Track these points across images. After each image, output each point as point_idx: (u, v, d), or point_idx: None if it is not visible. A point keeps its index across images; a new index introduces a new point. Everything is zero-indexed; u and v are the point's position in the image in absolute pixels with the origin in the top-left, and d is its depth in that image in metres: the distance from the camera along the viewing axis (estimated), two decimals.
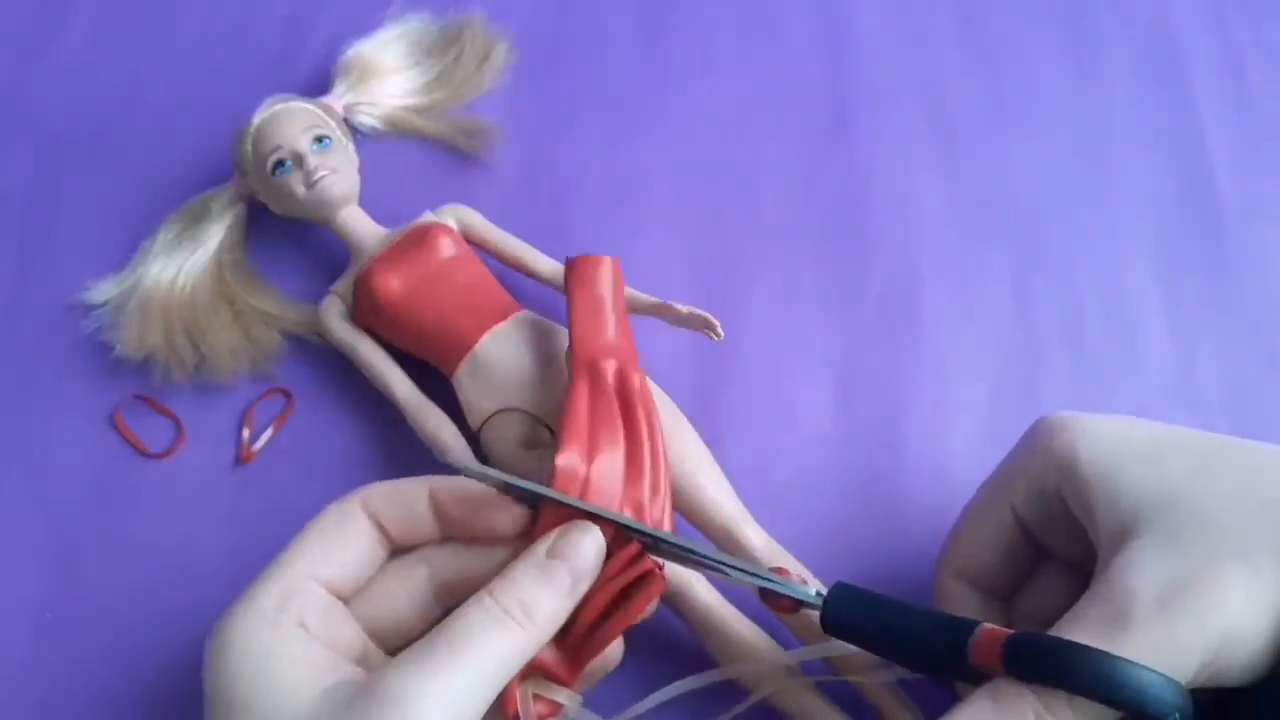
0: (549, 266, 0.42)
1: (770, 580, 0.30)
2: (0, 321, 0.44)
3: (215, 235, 0.43)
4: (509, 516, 0.31)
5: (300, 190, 0.41)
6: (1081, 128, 0.47)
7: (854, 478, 0.40)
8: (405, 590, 0.31)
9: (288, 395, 0.42)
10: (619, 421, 0.35)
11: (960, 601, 0.33)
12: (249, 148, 0.42)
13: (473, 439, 0.38)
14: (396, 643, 0.31)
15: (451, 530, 0.31)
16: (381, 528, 0.31)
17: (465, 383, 0.38)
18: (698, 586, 0.36)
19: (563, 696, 0.31)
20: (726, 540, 0.37)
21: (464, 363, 0.38)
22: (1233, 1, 0.50)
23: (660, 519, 0.34)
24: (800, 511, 0.40)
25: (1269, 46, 0.49)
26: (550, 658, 0.30)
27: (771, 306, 0.44)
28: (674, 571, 0.36)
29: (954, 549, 0.34)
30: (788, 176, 0.46)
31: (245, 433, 0.41)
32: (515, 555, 0.30)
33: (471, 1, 0.50)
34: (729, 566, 0.30)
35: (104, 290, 0.43)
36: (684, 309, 0.39)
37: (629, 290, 0.40)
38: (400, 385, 0.40)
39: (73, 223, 0.46)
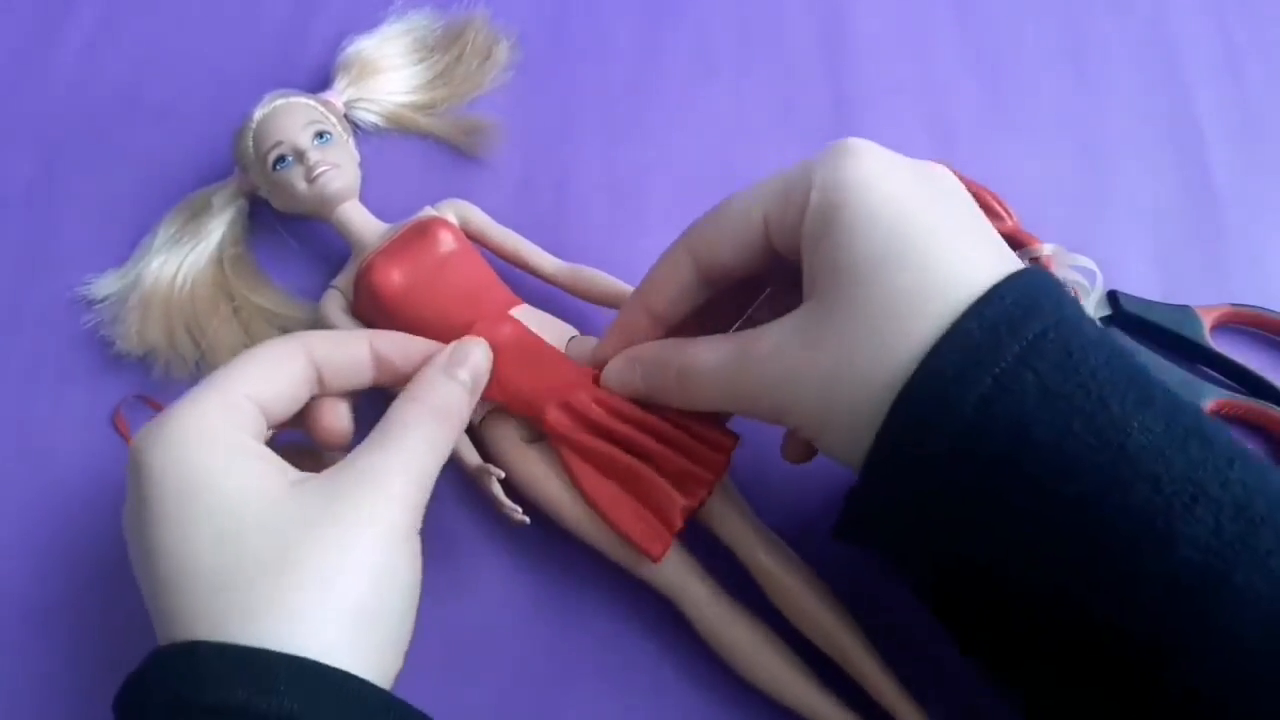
0: (549, 262, 0.42)
1: None
2: (0, 319, 0.44)
3: (216, 231, 0.43)
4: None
5: (301, 185, 0.41)
6: (1080, 128, 0.48)
7: (853, 477, 0.40)
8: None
9: None
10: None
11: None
12: (250, 143, 0.42)
13: (472, 433, 0.38)
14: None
15: (384, 380, 0.34)
16: (317, 372, 0.33)
17: None
18: (699, 588, 0.36)
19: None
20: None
21: None
22: (1231, 1, 0.50)
23: None
24: (800, 512, 0.40)
25: (1268, 46, 0.49)
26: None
27: None
28: (673, 577, 0.36)
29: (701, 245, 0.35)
30: None
31: None
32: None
33: None
34: None
35: (104, 285, 0.43)
36: None
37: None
38: None
39: (73, 220, 0.46)
